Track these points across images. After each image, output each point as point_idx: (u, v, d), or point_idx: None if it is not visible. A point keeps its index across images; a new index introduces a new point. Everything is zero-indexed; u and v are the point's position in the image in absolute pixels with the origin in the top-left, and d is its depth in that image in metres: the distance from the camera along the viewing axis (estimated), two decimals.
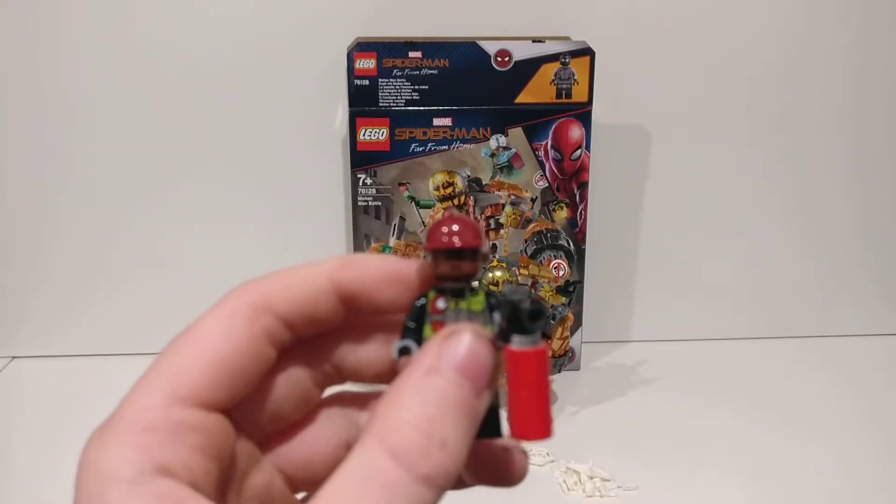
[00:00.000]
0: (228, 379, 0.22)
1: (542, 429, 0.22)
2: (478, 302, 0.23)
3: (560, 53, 0.74)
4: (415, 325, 0.23)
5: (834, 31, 0.82)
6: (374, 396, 0.26)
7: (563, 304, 0.72)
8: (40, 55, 0.78)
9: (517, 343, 0.21)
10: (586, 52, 0.74)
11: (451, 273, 0.23)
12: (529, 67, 0.74)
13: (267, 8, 0.78)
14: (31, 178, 0.81)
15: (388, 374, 0.24)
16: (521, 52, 0.74)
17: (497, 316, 0.22)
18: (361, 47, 0.73)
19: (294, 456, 0.25)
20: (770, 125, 0.84)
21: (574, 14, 0.79)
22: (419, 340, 0.23)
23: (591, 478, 0.65)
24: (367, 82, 0.74)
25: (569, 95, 0.75)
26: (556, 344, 0.72)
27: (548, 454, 0.69)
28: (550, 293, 0.72)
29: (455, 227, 0.22)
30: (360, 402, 0.26)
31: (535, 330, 0.21)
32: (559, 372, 0.75)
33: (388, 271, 0.24)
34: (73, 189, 0.82)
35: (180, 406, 0.21)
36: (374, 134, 0.75)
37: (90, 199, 0.82)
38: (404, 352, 0.23)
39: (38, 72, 0.78)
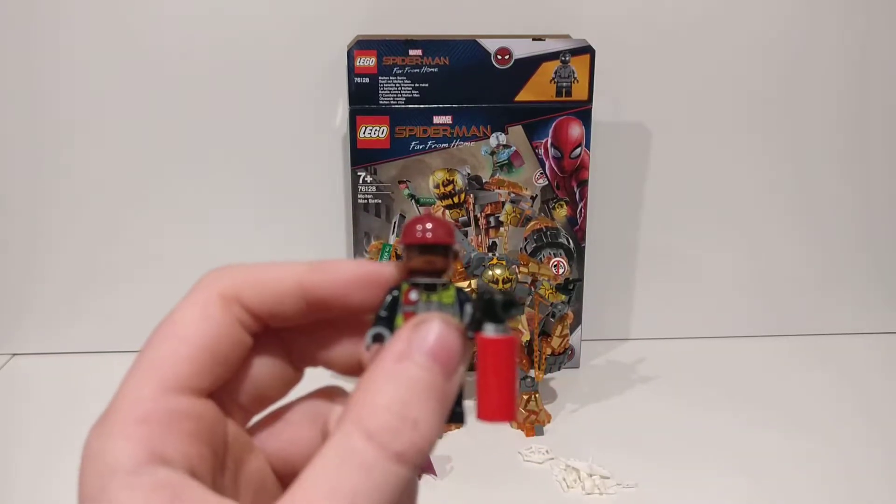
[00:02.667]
0: (212, 364, 0.23)
1: (507, 411, 0.23)
2: (448, 296, 0.24)
3: (560, 52, 0.74)
4: (387, 314, 0.24)
5: (833, 29, 0.82)
6: None
7: (562, 302, 0.72)
8: (40, 54, 0.78)
9: (490, 331, 0.23)
10: (586, 51, 0.74)
11: (424, 267, 0.24)
12: (529, 65, 0.74)
13: (267, 6, 0.78)
14: (31, 176, 0.81)
15: (356, 368, 0.26)
16: (522, 50, 0.74)
17: (469, 307, 0.24)
18: (362, 45, 0.73)
19: (280, 450, 0.26)
20: (769, 123, 0.84)
21: (574, 12, 0.79)
22: (391, 329, 0.24)
23: (591, 475, 0.65)
24: (367, 80, 0.74)
25: (569, 93, 0.75)
26: (555, 342, 0.72)
27: (547, 451, 0.69)
28: (550, 291, 0.72)
29: (429, 225, 0.24)
30: (344, 398, 0.27)
31: (508, 318, 0.23)
32: (559, 370, 0.75)
33: (357, 275, 0.24)
34: (73, 187, 0.82)
35: (170, 394, 0.22)
36: (375, 132, 0.75)
37: (91, 197, 0.82)
38: (377, 339, 0.24)
39: (38, 71, 0.78)
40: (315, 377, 0.27)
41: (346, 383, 0.25)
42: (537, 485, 0.66)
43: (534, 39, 0.74)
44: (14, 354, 0.86)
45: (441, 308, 0.24)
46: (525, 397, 0.73)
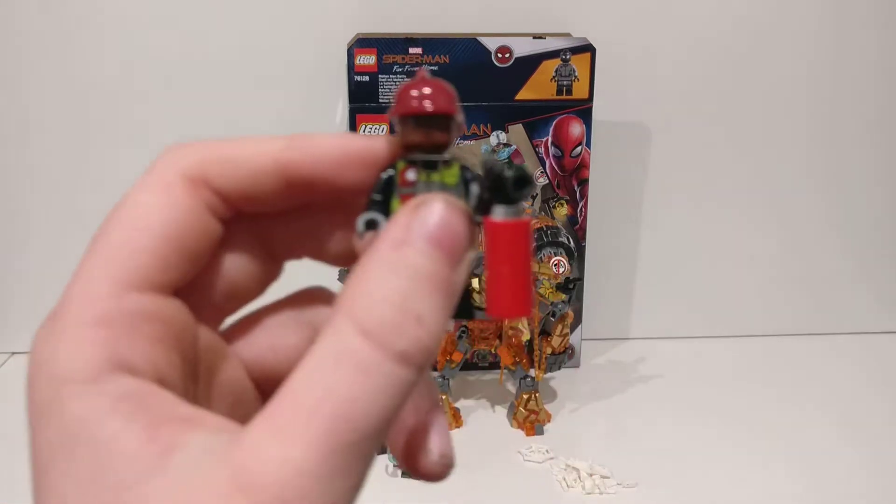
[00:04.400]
0: (178, 256, 0.20)
1: (521, 305, 0.20)
2: (451, 174, 0.21)
3: (561, 50, 0.74)
4: (381, 197, 0.21)
5: (836, 27, 0.82)
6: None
7: (563, 302, 0.72)
8: (40, 51, 0.78)
9: (499, 214, 0.20)
10: (587, 49, 0.74)
11: (422, 142, 0.21)
12: (530, 64, 0.74)
13: (267, 4, 0.78)
14: (30, 173, 0.81)
15: (347, 258, 0.22)
16: (522, 48, 0.74)
17: (475, 187, 0.21)
18: (362, 43, 0.73)
19: (259, 359, 0.23)
20: (771, 121, 0.84)
21: (575, 11, 0.79)
22: (387, 214, 0.21)
23: (591, 475, 0.65)
24: (367, 78, 0.73)
25: (569, 92, 0.75)
26: (555, 341, 0.72)
27: (547, 451, 0.69)
28: (550, 290, 0.72)
29: (427, 90, 0.20)
30: (330, 301, 0.23)
31: (520, 198, 0.20)
32: (559, 369, 0.75)
33: (345, 152, 0.21)
34: (72, 185, 0.82)
35: (133, 292, 0.19)
36: (375, 130, 0.74)
37: (90, 196, 0.82)
38: (371, 225, 0.21)
39: (39, 69, 0.78)
40: (293, 275, 0.24)
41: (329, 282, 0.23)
42: (537, 484, 0.65)
43: (534, 38, 0.74)
44: (13, 353, 0.86)
45: (443, 188, 0.21)
46: (525, 397, 0.73)
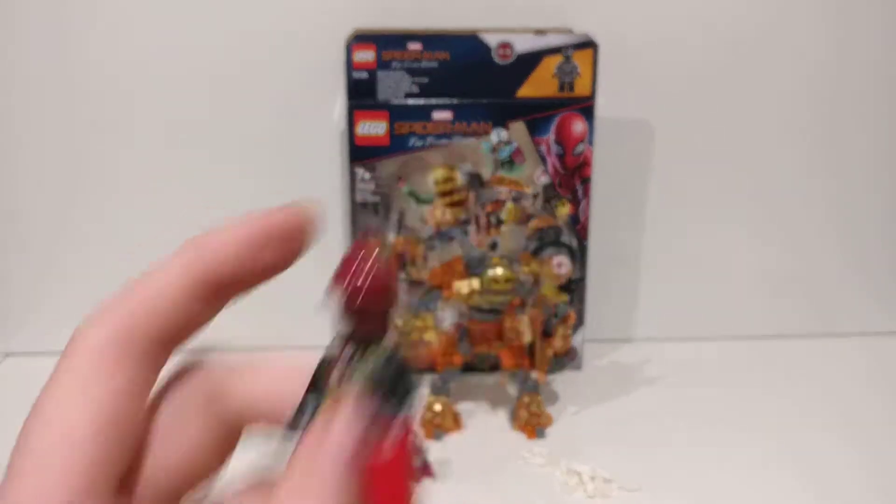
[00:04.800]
0: (110, 452, 0.18)
1: None
2: (379, 355, 0.20)
3: (562, 46, 0.73)
4: (317, 378, 0.20)
5: (841, 24, 0.81)
6: (235, 372, 0.21)
7: (564, 303, 0.71)
8: (39, 51, 0.77)
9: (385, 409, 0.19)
10: (589, 45, 0.73)
11: (354, 331, 0.19)
12: (531, 60, 0.73)
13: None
14: (28, 173, 0.80)
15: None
16: (523, 44, 0.73)
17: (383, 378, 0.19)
18: (360, 39, 0.72)
19: (172, 464, 0.21)
20: (774, 121, 0.83)
21: (576, 6, 0.78)
22: (323, 395, 0.19)
23: (593, 478, 0.64)
24: (365, 75, 0.72)
25: (571, 89, 0.74)
26: (558, 342, 0.71)
27: (549, 454, 0.68)
28: (552, 291, 0.71)
29: (359, 281, 0.19)
30: (219, 383, 0.21)
31: (401, 404, 0.19)
32: (561, 371, 0.74)
33: (251, 233, 0.20)
34: (70, 186, 0.81)
35: None
36: (373, 128, 0.73)
37: (87, 196, 0.81)
38: (295, 425, 0.19)
39: (36, 68, 0.77)
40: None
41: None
42: (538, 488, 0.65)
43: (536, 33, 0.73)
44: (8, 354, 0.85)
45: (365, 376, 0.19)
46: (526, 399, 0.72)
